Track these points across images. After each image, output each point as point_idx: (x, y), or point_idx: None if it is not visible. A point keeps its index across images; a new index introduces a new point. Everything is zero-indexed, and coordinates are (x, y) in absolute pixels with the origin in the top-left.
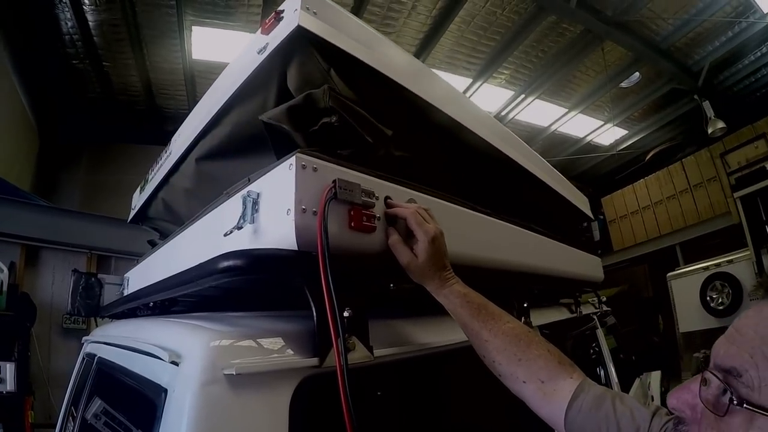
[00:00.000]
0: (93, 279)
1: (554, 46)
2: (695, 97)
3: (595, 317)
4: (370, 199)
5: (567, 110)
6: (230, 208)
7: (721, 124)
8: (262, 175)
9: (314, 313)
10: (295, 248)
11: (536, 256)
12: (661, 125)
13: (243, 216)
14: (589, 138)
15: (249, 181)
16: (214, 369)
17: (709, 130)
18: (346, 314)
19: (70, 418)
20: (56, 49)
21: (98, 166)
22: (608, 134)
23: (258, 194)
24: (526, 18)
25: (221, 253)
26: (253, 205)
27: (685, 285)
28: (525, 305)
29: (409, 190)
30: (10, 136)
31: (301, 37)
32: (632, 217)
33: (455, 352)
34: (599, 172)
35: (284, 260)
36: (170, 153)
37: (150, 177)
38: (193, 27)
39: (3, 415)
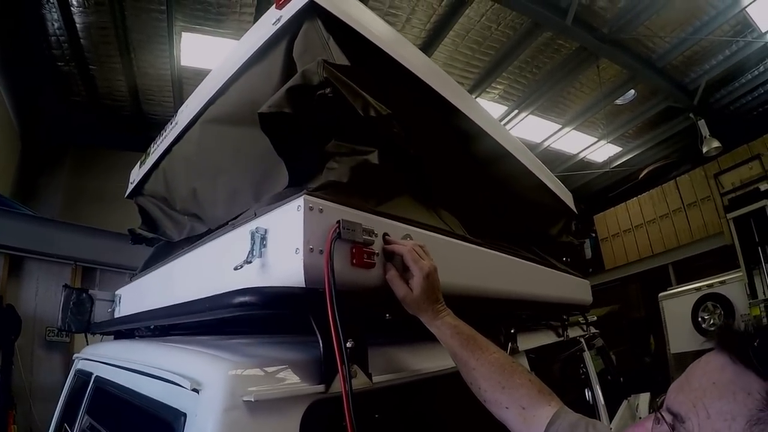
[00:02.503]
0: (84, 295)
1: (549, 62)
2: (691, 115)
3: (582, 340)
4: (370, 237)
5: (561, 126)
6: (236, 239)
7: (716, 144)
8: (268, 212)
9: (320, 344)
10: (303, 285)
11: (525, 283)
12: (655, 143)
13: (252, 251)
14: (582, 155)
15: (255, 215)
16: (233, 396)
17: (704, 150)
18: (348, 345)
19: None
20: (41, 50)
21: (81, 171)
22: (602, 151)
23: (266, 230)
24: (521, 34)
25: (237, 289)
26: (261, 241)
27: (677, 305)
28: (512, 331)
29: (406, 226)
30: None
31: (310, 9)
32: (625, 236)
33: (446, 378)
34: (592, 190)
35: (295, 297)
36: (176, 123)
37: (152, 150)
38: (182, 33)
39: None
